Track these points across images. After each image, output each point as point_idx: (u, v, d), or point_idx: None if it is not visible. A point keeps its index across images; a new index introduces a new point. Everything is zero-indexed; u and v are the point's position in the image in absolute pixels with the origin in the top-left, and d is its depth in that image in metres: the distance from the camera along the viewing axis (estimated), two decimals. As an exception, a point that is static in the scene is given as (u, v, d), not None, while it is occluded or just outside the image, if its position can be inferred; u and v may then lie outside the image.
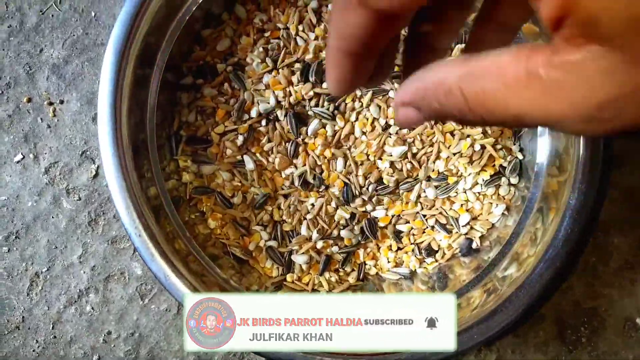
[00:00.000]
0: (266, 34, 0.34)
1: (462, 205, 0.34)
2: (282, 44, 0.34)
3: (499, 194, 0.34)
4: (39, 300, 0.35)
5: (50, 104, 0.36)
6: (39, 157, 0.36)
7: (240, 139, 0.33)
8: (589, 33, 0.14)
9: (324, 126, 0.33)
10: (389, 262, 0.34)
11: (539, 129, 0.32)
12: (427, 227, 0.34)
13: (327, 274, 0.34)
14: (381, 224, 0.34)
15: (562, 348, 0.36)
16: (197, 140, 0.34)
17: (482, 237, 0.34)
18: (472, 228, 0.34)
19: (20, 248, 0.35)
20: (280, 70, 0.33)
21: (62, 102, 0.36)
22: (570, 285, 0.36)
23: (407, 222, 0.34)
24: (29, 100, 0.36)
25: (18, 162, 0.36)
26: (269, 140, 0.33)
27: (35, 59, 0.37)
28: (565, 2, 0.14)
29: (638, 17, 0.13)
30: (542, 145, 0.32)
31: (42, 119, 0.36)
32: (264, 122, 0.34)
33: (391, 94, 0.33)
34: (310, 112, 0.33)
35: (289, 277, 0.34)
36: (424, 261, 0.34)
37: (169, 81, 0.32)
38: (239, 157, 0.34)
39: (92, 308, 0.35)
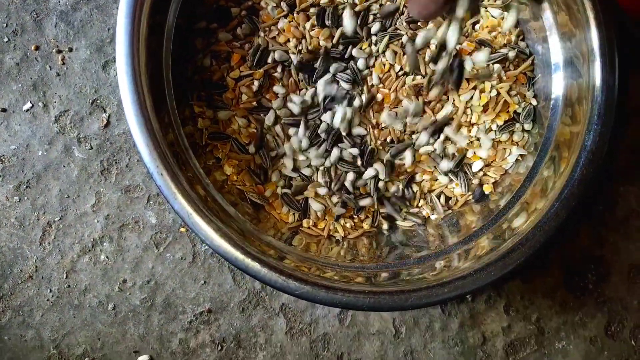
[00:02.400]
0: None
1: (475, 152, 0.34)
2: None
3: (512, 140, 0.34)
4: (52, 249, 0.35)
5: (59, 51, 0.36)
6: (49, 106, 0.35)
7: (255, 85, 0.33)
8: None
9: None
10: (401, 209, 0.35)
11: (552, 66, 0.33)
12: (439, 175, 0.35)
13: (342, 220, 0.34)
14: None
15: (569, 294, 0.37)
16: (212, 85, 0.33)
17: (494, 184, 0.35)
18: (485, 174, 0.35)
19: (31, 197, 0.35)
20: (295, 15, 0.33)
21: (70, 49, 0.36)
22: (577, 232, 0.37)
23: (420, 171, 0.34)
24: (37, 48, 0.36)
25: (27, 110, 0.35)
26: (284, 87, 0.33)
27: (43, 6, 0.36)
28: None
29: None
30: (557, 87, 0.32)
31: (51, 67, 0.36)
32: (279, 69, 0.33)
33: (404, 39, 0.33)
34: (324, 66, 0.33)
35: (304, 223, 0.34)
36: (436, 208, 0.35)
37: (183, 26, 0.32)
38: (254, 103, 0.34)
39: (107, 257, 0.35)
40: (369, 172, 0.33)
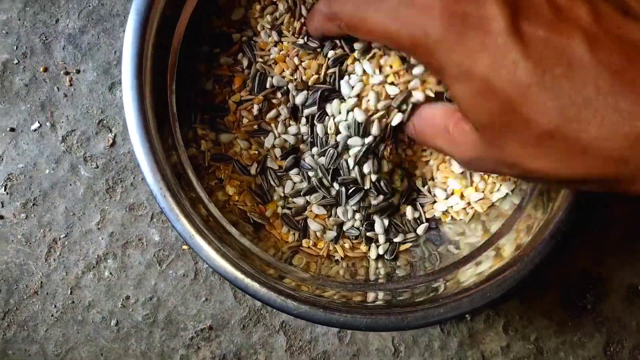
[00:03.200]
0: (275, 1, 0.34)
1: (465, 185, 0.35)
2: (285, 8, 0.33)
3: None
4: (57, 265, 0.36)
5: (67, 73, 0.37)
6: (56, 126, 0.36)
7: (255, 109, 0.34)
8: (467, 121, 0.23)
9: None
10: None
11: None
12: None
13: (341, 241, 0.35)
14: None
15: (567, 314, 0.37)
16: (215, 108, 0.34)
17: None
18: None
19: (38, 215, 0.36)
20: (284, 43, 0.33)
21: (78, 71, 0.37)
22: (574, 253, 0.37)
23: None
24: (46, 69, 0.37)
25: (35, 130, 0.36)
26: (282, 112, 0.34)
27: (51, 29, 0.37)
28: (453, 99, 0.23)
29: (485, 123, 0.22)
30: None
31: (59, 88, 0.37)
32: (279, 94, 0.34)
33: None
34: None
35: (304, 243, 0.34)
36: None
37: (187, 51, 0.33)
38: (255, 127, 0.34)
39: (111, 273, 0.36)
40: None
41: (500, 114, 0.20)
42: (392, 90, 0.29)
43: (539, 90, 0.19)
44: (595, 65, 0.19)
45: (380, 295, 0.30)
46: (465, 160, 0.25)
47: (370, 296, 0.30)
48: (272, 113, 0.34)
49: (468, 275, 0.30)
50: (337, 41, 0.31)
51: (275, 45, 0.33)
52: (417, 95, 0.28)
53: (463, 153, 0.24)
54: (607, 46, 0.19)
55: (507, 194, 0.34)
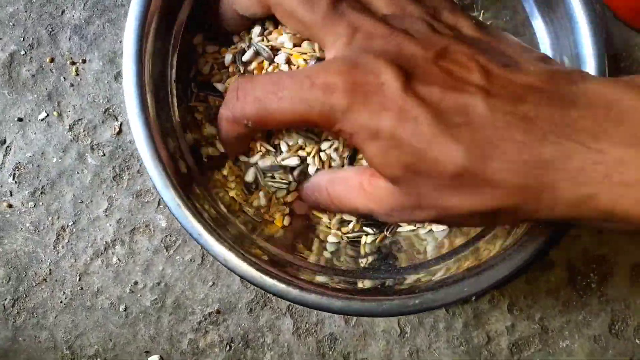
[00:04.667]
0: None
1: None
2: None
3: None
4: (65, 253, 0.36)
5: (73, 63, 0.37)
6: (63, 115, 0.37)
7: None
8: (379, 176, 0.25)
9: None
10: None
11: None
12: None
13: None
14: None
15: (572, 293, 0.38)
16: (210, 87, 0.34)
17: None
18: None
19: (46, 203, 0.36)
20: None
21: (84, 61, 0.37)
22: (578, 233, 0.38)
23: None
24: (52, 60, 0.37)
25: (42, 119, 0.37)
26: None
27: (57, 20, 0.37)
28: (367, 159, 0.24)
29: (399, 175, 0.23)
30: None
31: (65, 78, 0.37)
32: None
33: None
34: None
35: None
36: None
37: (186, 36, 0.33)
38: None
39: (119, 259, 0.36)
40: None
41: (412, 163, 0.22)
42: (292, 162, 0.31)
43: (442, 138, 0.21)
44: (490, 110, 0.21)
45: (385, 281, 0.30)
46: (386, 213, 0.26)
47: (370, 282, 0.30)
48: None
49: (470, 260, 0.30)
50: None
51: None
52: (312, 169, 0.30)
53: (382, 206, 0.26)
54: (497, 94, 0.22)
55: None
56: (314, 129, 0.30)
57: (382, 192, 0.25)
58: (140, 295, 0.36)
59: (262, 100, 0.24)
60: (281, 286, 0.28)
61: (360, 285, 0.30)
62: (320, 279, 0.30)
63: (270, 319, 0.36)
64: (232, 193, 0.33)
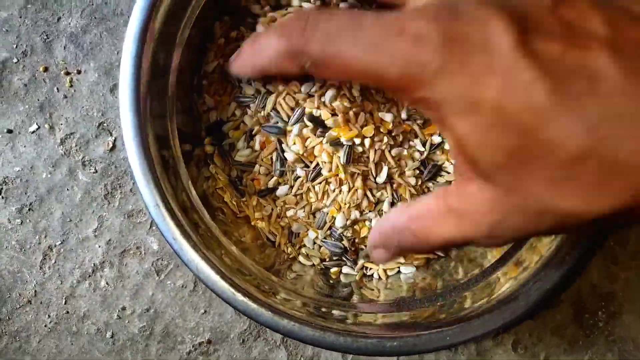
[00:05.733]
0: None
1: None
2: None
3: None
4: (52, 274, 0.34)
5: (67, 73, 0.36)
6: (55, 128, 0.35)
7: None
8: (473, 170, 0.19)
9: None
10: None
11: None
12: None
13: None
14: None
15: (579, 332, 0.36)
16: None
17: None
18: None
19: (33, 220, 0.35)
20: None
21: (79, 72, 0.36)
22: (588, 268, 0.36)
23: None
24: (46, 69, 0.35)
25: (33, 132, 0.35)
26: None
27: (53, 28, 0.36)
28: (456, 143, 0.19)
29: (501, 164, 0.18)
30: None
31: (59, 88, 0.35)
32: None
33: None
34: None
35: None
36: None
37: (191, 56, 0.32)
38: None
39: (107, 283, 0.34)
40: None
41: (519, 147, 0.18)
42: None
43: (562, 111, 0.17)
44: (621, 73, 0.17)
45: (392, 316, 0.29)
46: (485, 234, 0.20)
47: (380, 317, 0.29)
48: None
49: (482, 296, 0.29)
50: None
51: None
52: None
53: (480, 223, 0.20)
54: (629, 52, 0.17)
55: None
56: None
57: (477, 201, 0.20)
58: (128, 322, 0.34)
59: (333, 39, 0.20)
60: (253, 306, 0.26)
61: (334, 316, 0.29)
62: (297, 304, 0.28)
63: (264, 351, 0.34)
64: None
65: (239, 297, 0.27)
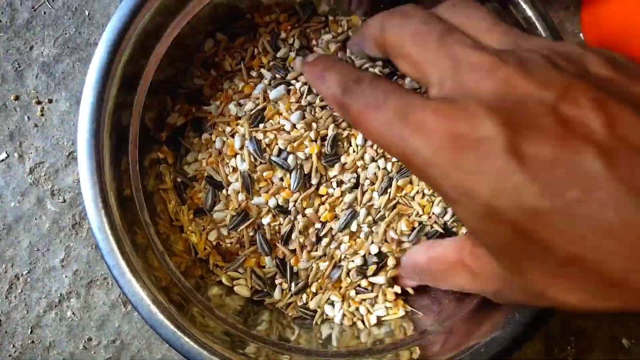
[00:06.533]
0: None
1: None
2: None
3: None
4: (17, 303, 0.34)
5: (39, 102, 0.36)
6: (24, 157, 0.35)
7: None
8: (481, 244, 0.21)
9: None
10: None
11: None
12: None
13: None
14: None
15: (548, 367, 0.36)
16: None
17: None
18: None
19: (0, 249, 0.34)
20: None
21: (50, 101, 0.36)
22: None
23: None
24: (17, 98, 0.35)
25: (2, 160, 0.35)
26: None
27: (25, 56, 0.36)
28: (461, 219, 0.21)
29: (498, 250, 0.19)
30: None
31: (29, 117, 0.35)
32: None
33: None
34: None
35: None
36: None
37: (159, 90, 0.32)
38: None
39: (73, 313, 0.34)
40: None
41: (513, 239, 0.18)
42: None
43: (551, 216, 0.17)
44: (615, 183, 0.16)
45: None
46: (492, 295, 0.23)
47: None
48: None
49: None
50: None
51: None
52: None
53: (488, 285, 0.22)
54: (626, 159, 0.16)
55: None
56: None
57: (485, 268, 0.22)
58: (94, 353, 0.34)
59: (363, 111, 0.21)
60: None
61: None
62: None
63: (230, 383, 0.34)
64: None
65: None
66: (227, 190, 0.31)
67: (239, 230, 0.31)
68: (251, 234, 0.31)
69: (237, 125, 0.31)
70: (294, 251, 0.31)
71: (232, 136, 0.31)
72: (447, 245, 0.25)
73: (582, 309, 0.18)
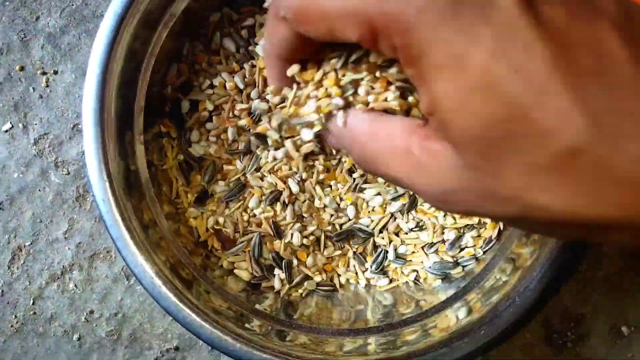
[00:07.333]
0: None
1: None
2: None
3: None
4: (20, 274, 0.34)
5: (44, 73, 0.35)
6: (29, 128, 0.35)
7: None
8: (443, 134, 0.17)
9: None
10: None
11: None
12: None
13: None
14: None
15: (547, 351, 0.36)
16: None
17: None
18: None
19: (3, 220, 0.34)
20: None
21: (56, 72, 0.35)
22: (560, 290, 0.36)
23: None
24: (22, 68, 0.35)
25: (6, 131, 0.35)
26: None
27: (31, 27, 0.35)
28: (430, 101, 0.16)
29: (475, 136, 0.15)
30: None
31: (34, 88, 0.35)
32: None
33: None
34: None
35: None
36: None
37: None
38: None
39: (75, 285, 0.34)
40: None
41: (501, 121, 0.15)
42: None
43: (562, 88, 0.14)
44: (633, 62, 0.14)
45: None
46: (435, 195, 0.18)
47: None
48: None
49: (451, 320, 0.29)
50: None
51: None
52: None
53: (433, 183, 0.18)
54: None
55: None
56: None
57: (439, 163, 0.17)
58: (96, 325, 0.34)
59: None
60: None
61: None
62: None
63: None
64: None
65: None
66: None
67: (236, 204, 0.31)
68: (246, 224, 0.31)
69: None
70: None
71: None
72: (394, 125, 0.19)
73: (560, 215, 0.15)
